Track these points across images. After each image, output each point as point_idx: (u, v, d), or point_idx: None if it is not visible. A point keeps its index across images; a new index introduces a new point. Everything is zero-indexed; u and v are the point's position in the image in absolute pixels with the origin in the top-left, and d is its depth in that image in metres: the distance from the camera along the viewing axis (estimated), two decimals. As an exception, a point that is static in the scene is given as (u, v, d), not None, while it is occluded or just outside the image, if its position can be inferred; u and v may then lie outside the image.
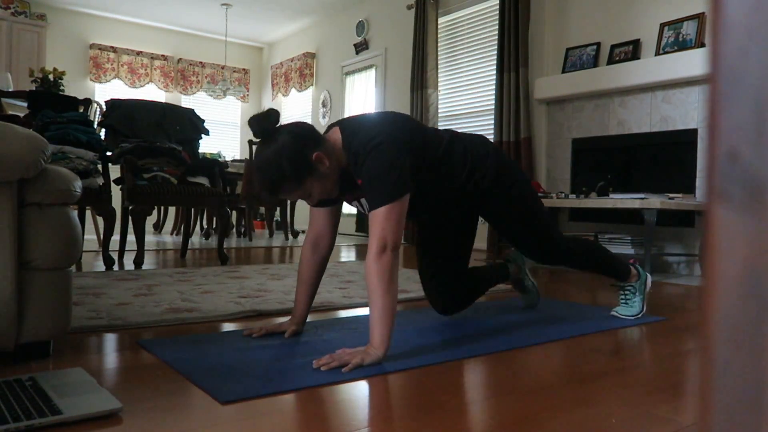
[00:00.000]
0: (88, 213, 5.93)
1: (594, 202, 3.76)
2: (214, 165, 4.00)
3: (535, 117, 4.87)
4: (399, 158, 1.58)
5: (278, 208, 6.18)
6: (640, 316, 2.22)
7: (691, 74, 3.71)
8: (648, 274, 2.30)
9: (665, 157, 4.02)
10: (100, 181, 3.25)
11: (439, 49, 5.89)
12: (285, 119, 9.78)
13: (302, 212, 7.64)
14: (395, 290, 1.54)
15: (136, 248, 3.48)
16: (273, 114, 1.57)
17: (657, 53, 3.99)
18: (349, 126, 1.65)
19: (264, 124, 1.55)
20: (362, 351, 1.50)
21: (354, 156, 1.60)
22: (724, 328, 0.31)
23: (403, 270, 3.64)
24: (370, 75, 7.07)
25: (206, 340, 1.75)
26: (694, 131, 3.82)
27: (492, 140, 5.23)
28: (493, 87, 5.30)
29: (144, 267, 3.47)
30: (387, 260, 1.52)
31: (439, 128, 1.85)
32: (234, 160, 6.49)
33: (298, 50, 8.40)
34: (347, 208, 6.73)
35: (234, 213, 6.45)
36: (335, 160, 1.61)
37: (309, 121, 7.81)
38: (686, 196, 3.64)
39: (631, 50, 4.17)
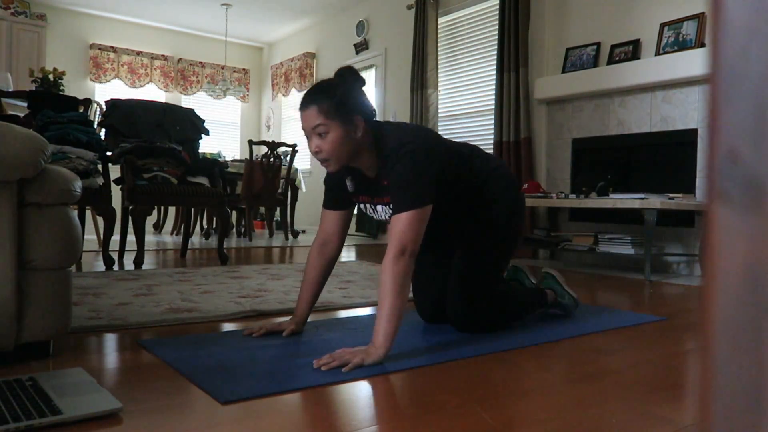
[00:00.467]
0: (88, 213, 5.92)
1: (594, 202, 3.76)
2: (214, 165, 4.00)
3: (535, 117, 4.86)
4: (429, 167, 1.62)
5: (278, 209, 6.18)
6: (576, 298, 2.29)
7: (691, 74, 3.71)
8: (548, 272, 2.33)
9: (665, 157, 4.02)
10: (100, 181, 3.25)
11: (439, 49, 5.89)
12: (285, 119, 9.57)
13: (302, 212, 7.64)
14: (406, 295, 1.56)
15: (136, 248, 3.48)
16: (362, 80, 1.66)
17: (657, 53, 3.99)
18: (380, 128, 1.68)
19: (348, 74, 1.64)
20: (363, 350, 1.50)
21: (386, 156, 1.62)
22: (724, 328, 0.31)
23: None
24: (370, 75, 7.07)
25: (206, 340, 1.75)
26: (694, 131, 3.82)
27: (492, 140, 5.23)
28: (493, 87, 5.30)
29: (144, 267, 3.47)
30: (404, 265, 1.54)
31: (459, 142, 1.88)
32: (234, 160, 6.48)
33: (298, 50, 8.40)
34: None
35: (234, 213, 6.45)
36: (362, 142, 1.63)
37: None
38: (686, 196, 3.64)
39: (631, 50, 4.17)
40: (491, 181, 1.90)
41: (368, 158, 1.67)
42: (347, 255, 4.75)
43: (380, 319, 1.53)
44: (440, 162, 1.70)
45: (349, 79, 1.63)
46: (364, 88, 1.67)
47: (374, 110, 1.68)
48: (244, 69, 9.17)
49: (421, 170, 1.59)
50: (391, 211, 1.69)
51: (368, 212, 1.82)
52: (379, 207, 1.76)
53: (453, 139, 2.09)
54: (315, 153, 1.61)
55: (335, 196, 1.82)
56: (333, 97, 1.57)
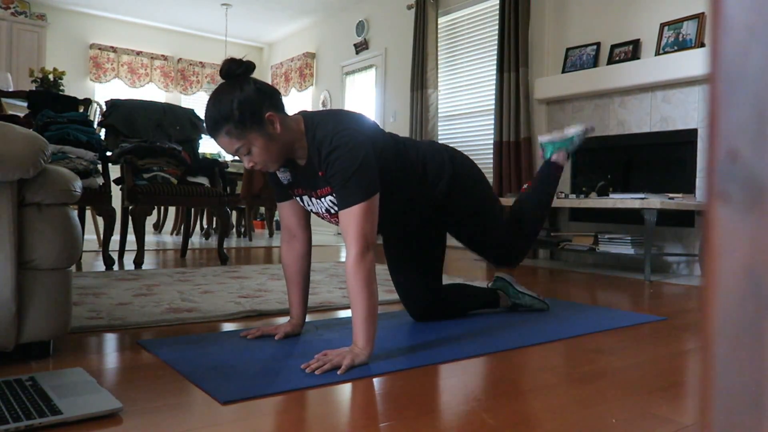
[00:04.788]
0: (88, 213, 5.92)
1: (594, 202, 3.76)
2: (214, 165, 4.00)
3: (535, 117, 4.86)
4: (370, 156, 1.56)
5: (278, 208, 6.18)
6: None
7: (691, 74, 3.71)
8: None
9: (665, 157, 4.02)
10: (100, 181, 3.25)
11: (439, 49, 5.89)
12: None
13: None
14: (377, 290, 1.54)
15: (136, 248, 3.48)
16: (249, 64, 1.54)
17: (657, 53, 3.99)
18: (313, 117, 1.62)
19: (234, 68, 1.53)
20: (349, 351, 1.49)
21: (318, 144, 1.55)
22: (724, 328, 0.31)
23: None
24: (370, 75, 7.07)
25: (206, 340, 1.74)
26: (694, 131, 3.82)
27: (492, 140, 5.23)
28: (493, 87, 5.30)
29: (144, 267, 3.47)
30: (370, 261, 1.52)
31: (386, 132, 1.80)
32: (234, 160, 6.48)
33: (298, 50, 8.40)
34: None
35: (234, 213, 6.45)
36: (288, 133, 1.56)
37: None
38: (686, 196, 3.64)
39: (631, 50, 4.17)
40: (428, 161, 1.85)
41: (299, 147, 1.60)
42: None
43: (358, 322, 1.50)
44: (378, 148, 1.63)
45: (237, 82, 1.52)
46: (254, 74, 1.55)
47: (279, 99, 1.58)
48: (244, 69, 9.16)
49: (363, 159, 1.52)
50: (331, 203, 1.64)
51: (305, 205, 1.75)
52: (315, 200, 1.69)
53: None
54: (251, 167, 1.56)
55: (280, 188, 1.77)
56: (232, 116, 1.47)
